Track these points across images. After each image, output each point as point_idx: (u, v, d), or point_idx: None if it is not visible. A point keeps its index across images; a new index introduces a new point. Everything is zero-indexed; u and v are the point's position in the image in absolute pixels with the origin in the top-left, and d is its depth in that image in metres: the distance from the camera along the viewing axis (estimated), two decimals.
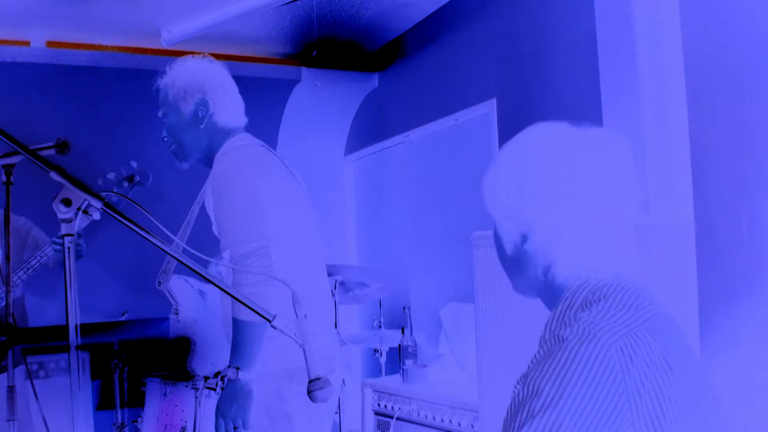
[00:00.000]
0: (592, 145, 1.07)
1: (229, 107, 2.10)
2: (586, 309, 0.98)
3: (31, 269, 2.50)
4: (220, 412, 1.88)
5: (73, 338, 1.13)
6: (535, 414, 0.90)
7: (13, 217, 2.68)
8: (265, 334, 1.87)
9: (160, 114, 2.14)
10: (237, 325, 1.86)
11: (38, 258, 2.51)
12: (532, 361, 0.98)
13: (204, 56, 2.15)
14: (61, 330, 1.16)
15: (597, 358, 0.90)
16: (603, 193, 1.05)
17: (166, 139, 2.14)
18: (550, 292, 1.09)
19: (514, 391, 0.97)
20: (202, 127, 2.07)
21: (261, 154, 2.11)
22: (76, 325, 1.14)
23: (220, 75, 2.12)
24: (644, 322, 0.95)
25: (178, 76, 2.10)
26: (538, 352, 0.98)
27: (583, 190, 1.04)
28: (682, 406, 0.91)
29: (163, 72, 2.13)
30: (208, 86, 2.07)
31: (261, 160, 2.08)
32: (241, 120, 2.15)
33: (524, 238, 1.08)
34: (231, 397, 1.86)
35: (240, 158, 2.03)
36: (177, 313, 2.61)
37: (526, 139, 1.11)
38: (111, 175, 2.51)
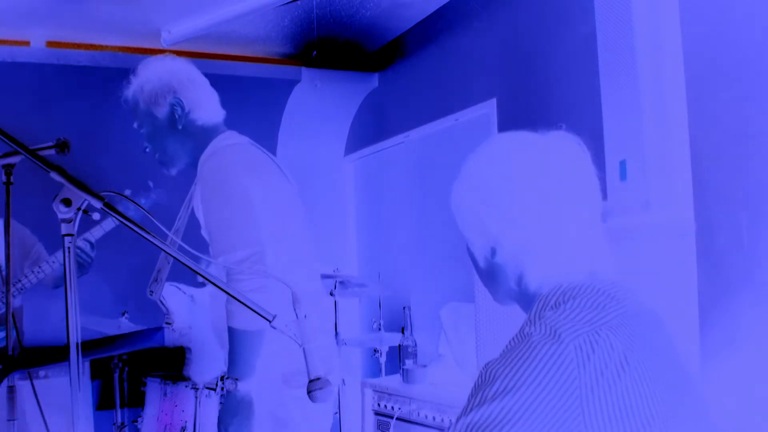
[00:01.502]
0: (548, 151, 1.09)
1: (204, 102, 2.01)
2: (555, 309, 1.01)
3: (29, 282, 2.50)
4: (222, 425, 1.83)
5: (73, 339, 1.13)
6: (486, 400, 0.92)
7: (22, 228, 2.69)
8: (263, 340, 1.81)
9: (135, 125, 2.05)
10: (233, 334, 1.80)
11: (36, 273, 2.50)
12: (501, 353, 1.01)
13: (166, 55, 2.04)
14: (61, 350, 1.16)
15: (554, 355, 0.92)
16: (565, 197, 1.07)
17: (148, 149, 2.05)
18: (525, 300, 1.11)
19: (479, 374, 1.00)
20: (180, 127, 1.98)
21: (250, 153, 2.03)
22: (77, 343, 1.14)
23: (188, 71, 2.02)
24: (608, 321, 0.97)
25: (146, 81, 2.00)
26: (507, 345, 1.01)
27: (546, 197, 1.06)
28: (637, 401, 0.92)
29: (128, 82, 2.03)
30: (177, 84, 1.98)
31: (252, 160, 2.00)
32: (220, 114, 2.05)
33: (493, 251, 1.10)
34: (232, 410, 1.81)
35: (228, 159, 1.94)
36: (170, 323, 2.60)
37: (485, 152, 1.14)
38: (127, 192, 2.51)
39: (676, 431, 0.95)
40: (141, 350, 3.12)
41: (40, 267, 2.50)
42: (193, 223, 2.07)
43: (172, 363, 2.92)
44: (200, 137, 2.00)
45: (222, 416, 1.84)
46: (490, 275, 1.15)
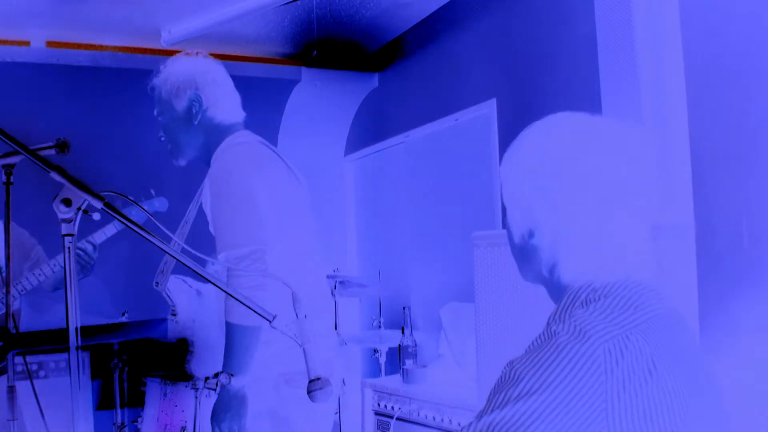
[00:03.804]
0: (612, 141, 1.03)
1: (223, 102, 2.08)
2: (585, 307, 0.98)
3: (30, 284, 2.50)
4: (214, 419, 1.86)
5: (73, 339, 1.13)
6: (510, 400, 0.90)
7: (22, 230, 2.69)
8: (260, 337, 1.84)
9: (155, 112, 2.12)
10: (230, 329, 1.83)
11: (37, 275, 2.50)
12: (526, 350, 0.98)
13: (198, 53, 2.12)
14: (60, 333, 1.16)
15: (583, 357, 0.90)
16: (618, 192, 1.00)
17: (162, 138, 2.12)
18: (554, 288, 1.07)
19: (502, 372, 0.97)
20: (196, 123, 2.05)
21: (260, 152, 2.08)
22: (77, 328, 1.14)
23: (214, 70, 2.09)
24: (640, 324, 0.94)
25: (171, 73, 2.08)
26: (533, 342, 0.98)
27: (597, 190, 1.00)
28: (662, 408, 0.90)
29: (158, 71, 2.11)
30: (200, 81, 2.05)
31: (260, 159, 2.04)
32: (239, 115, 2.12)
33: (531, 233, 1.05)
34: (225, 404, 1.84)
35: (238, 157, 1.99)
36: (175, 314, 2.60)
37: (543, 130, 1.07)
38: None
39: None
40: (141, 350, 3.12)
41: (40, 269, 2.50)
42: (199, 220, 2.09)
43: (173, 362, 2.92)
44: (213, 135, 2.07)
45: (215, 410, 1.85)
46: (523, 254, 1.10)
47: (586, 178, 1.00)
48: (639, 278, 1.01)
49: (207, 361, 2.52)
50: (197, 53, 2.13)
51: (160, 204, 2.60)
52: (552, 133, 1.06)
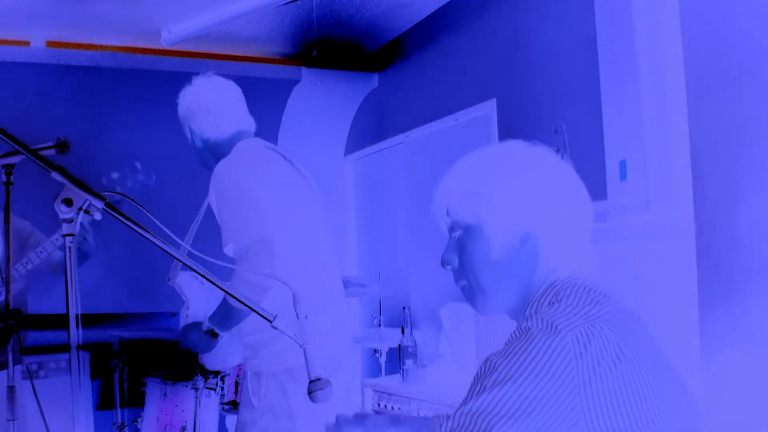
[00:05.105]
0: (553, 158, 1.17)
1: (214, 123, 2.18)
2: (551, 306, 1.05)
3: (30, 263, 2.49)
4: (180, 337, 2.12)
5: (74, 336, 1.13)
6: (486, 389, 0.96)
7: (17, 219, 2.68)
8: (247, 317, 1.98)
9: None
10: (228, 307, 1.97)
11: (38, 252, 2.49)
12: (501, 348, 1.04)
13: (198, 79, 2.22)
14: (64, 318, 1.16)
15: (552, 345, 0.96)
16: (574, 202, 1.14)
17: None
18: (525, 298, 1.13)
19: (479, 367, 1.03)
20: (199, 147, 2.21)
21: (261, 152, 2.15)
22: (77, 314, 1.14)
23: (204, 95, 2.19)
24: (603, 315, 1.01)
25: (178, 110, 2.25)
26: (507, 340, 1.04)
27: (563, 198, 1.12)
28: (634, 391, 0.95)
29: None
30: (191, 112, 2.20)
31: (259, 158, 2.12)
32: (242, 124, 2.20)
33: (525, 238, 1.11)
34: (194, 335, 2.07)
35: (237, 158, 2.09)
36: (188, 309, 2.62)
37: (515, 145, 1.18)
38: (115, 175, 2.52)
39: (675, 426, 0.98)
40: (142, 349, 3.13)
41: (28, 258, 2.48)
42: (210, 222, 2.12)
43: (172, 361, 2.92)
44: (216, 150, 2.19)
45: (182, 334, 2.11)
46: (503, 267, 1.14)
47: (559, 188, 1.12)
48: (593, 277, 1.11)
49: (219, 356, 2.54)
50: (200, 78, 2.23)
51: (145, 177, 2.59)
52: (509, 151, 1.19)
